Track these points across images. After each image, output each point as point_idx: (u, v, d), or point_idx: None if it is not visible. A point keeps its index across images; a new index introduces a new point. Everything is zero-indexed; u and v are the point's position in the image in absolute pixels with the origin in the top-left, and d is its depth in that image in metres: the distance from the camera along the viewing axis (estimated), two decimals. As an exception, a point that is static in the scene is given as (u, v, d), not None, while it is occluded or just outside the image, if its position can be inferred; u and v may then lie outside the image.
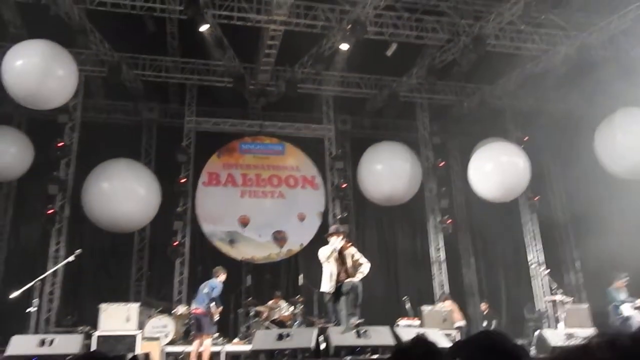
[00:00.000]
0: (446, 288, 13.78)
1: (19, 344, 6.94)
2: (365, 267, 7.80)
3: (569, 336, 8.49)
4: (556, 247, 15.51)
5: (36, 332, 8.59)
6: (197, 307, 8.95)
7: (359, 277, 7.67)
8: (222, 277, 9.18)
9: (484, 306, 13.50)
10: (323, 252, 7.88)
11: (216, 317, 8.94)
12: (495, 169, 13.04)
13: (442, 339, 7.66)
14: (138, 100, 14.22)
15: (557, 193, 16.18)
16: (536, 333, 9.61)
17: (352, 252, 7.95)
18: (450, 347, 1.84)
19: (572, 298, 12.47)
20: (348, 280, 7.61)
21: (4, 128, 12.73)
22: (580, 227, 14.85)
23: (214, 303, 8.79)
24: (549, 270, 12.60)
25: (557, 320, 11.21)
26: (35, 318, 7.76)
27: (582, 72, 12.60)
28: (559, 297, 11.02)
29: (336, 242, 7.82)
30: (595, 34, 11.94)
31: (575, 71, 12.81)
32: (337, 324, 7.71)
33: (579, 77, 12.95)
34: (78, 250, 8.38)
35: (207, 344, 8.73)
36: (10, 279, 11.96)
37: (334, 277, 7.71)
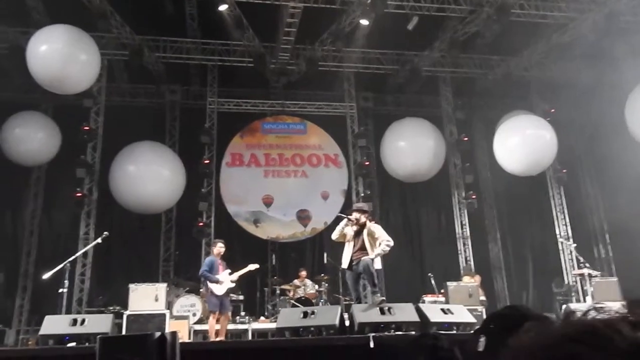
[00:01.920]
0: (472, 264, 13.71)
1: (52, 323, 7.12)
2: (383, 245, 7.65)
3: (597, 310, 8.36)
4: (584, 221, 15.24)
5: (68, 312, 8.84)
6: None
7: (372, 255, 7.61)
8: (213, 249, 9.04)
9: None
10: (333, 232, 8.10)
11: (217, 292, 8.52)
12: (521, 143, 12.86)
13: (467, 315, 7.64)
14: (160, 83, 14.30)
15: (585, 165, 15.85)
16: (564, 307, 9.51)
17: (372, 229, 7.86)
18: (482, 323, 1.84)
19: (601, 272, 12.31)
20: (364, 258, 7.63)
21: (32, 114, 13.02)
22: (609, 200, 14.55)
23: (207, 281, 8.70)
24: (575, 244, 12.41)
25: (585, 294, 11.09)
26: (68, 299, 7.95)
27: (611, 39, 12.20)
28: (586, 271, 10.88)
29: (351, 220, 7.89)
30: (624, -1, 11.54)
31: (603, 39, 12.40)
32: (359, 301, 7.76)
33: (607, 45, 12.55)
34: (105, 233, 8.58)
35: (209, 321, 8.81)
36: (43, 261, 12.33)
37: (349, 254, 7.82)
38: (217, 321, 8.62)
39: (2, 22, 11.73)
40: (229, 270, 8.76)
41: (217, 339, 8.29)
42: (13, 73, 12.37)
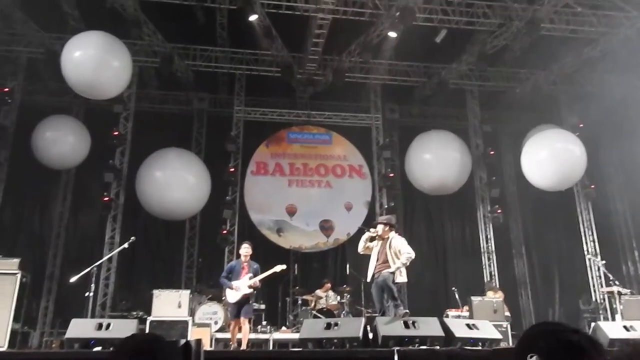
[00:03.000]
0: (496, 279, 13.53)
1: (78, 327, 7.17)
2: (403, 258, 7.59)
3: (627, 328, 8.17)
4: (613, 237, 14.92)
5: (93, 316, 8.92)
6: None
7: (392, 269, 7.55)
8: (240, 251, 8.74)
9: None
10: (359, 246, 8.12)
11: (230, 299, 8.30)
12: (550, 157, 12.67)
13: (493, 331, 7.52)
14: (189, 90, 14.50)
15: (614, 181, 15.54)
16: (592, 325, 9.30)
17: (394, 242, 7.80)
18: (526, 341, 1.74)
19: (630, 289, 12.04)
20: (383, 272, 7.59)
21: (63, 118, 13.26)
22: (639, 216, 14.26)
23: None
24: (604, 261, 12.15)
25: (613, 312, 10.86)
26: (92, 302, 8.02)
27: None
28: (615, 289, 10.65)
29: (371, 233, 7.93)
30: (657, 14, 11.35)
31: (635, 54, 12.20)
32: (383, 313, 7.68)
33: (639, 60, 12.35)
34: (132, 238, 8.62)
35: (230, 328, 8.62)
36: (69, 263, 12.53)
37: (372, 267, 7.81)
38: (240, 329, 8.49)
39: (39, 28, 12.03)
40: (249, 275, 8.30)
41: (241, 348, 8.22)
42: (47, 77, 12.69)
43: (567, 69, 13.42)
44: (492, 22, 12.03)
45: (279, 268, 8.53)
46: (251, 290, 8.28)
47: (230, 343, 8.67)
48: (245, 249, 8.58)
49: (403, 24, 11.10)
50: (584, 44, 12.62)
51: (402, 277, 7.70)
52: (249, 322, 8.86)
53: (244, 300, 8.26)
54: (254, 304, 10.65)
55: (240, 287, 8.24)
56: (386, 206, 13.68)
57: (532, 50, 12.58)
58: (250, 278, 8.28)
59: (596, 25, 11.97)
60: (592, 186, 13.94)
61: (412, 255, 7.69)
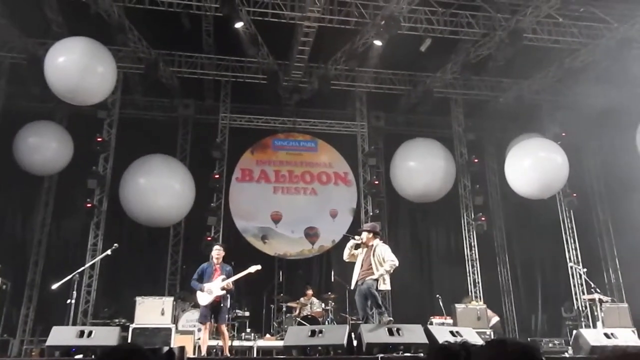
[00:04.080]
0: (480, 286, 13.62)
1: (59, 334, 7.09)
2: (387, 265, 7.65)
3: (608, 335, 8.29)
4: (595, 245, 15.13)
5: (74, 323, 8.82)
6: None
7: (376, 275, 7.59)
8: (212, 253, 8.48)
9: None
10: (344, 253, 8.17)
11: (201, 302, 8.03)
12: (533, 165, 12.83)
13: (476, 338, 7.56)
14: (174, 97, 14.46)
15: (596, 190, 15.78)
16: (574, 332, 9.40)
17: (379, 250, 7.85)
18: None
19: (611, 297, 12.20)
20: (367, 279, 7.63)
21: (46, 123, 13.12)
22: (619, 225, 14.47)
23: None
24: (585, 269, 12.30)
25: (595, 320, 11.00)
26: (73, 310, 7.91)
27: (624, 65, 12.21)
28: (597, 296, 10.79)
29: (355, 240, 8.01)
30: (637, 25, 11.55)
31: (616, 64, 12.42)
32: (366, 320, 7.70)
33: (620, 71, 12.56)
34: (115, 245, 8.53)
35: (201, 334, 8.38)
36: (51, 270, 12.37)
37: (356, 274, 7.84)
38: (222, 337, 8.36)
39: (22, 33, 11.92)
40: (222, 277, 8.04)
41: (223, 355, 8.16)
42: (30, 83, 12.57)
43: (549, 79, 13.62)
44: (476, 31, 12.19)
45: (253, 269, 8.26)
46: (224, 292, 8.02)
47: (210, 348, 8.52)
48: (217, 251, 8.33)
49: (388, 32, 11.19)
50: (566, 54, 12.82)
51: (385, 285, 7.74)
52: (230, 327, 8.72)
53: (216, 303, 7.99)
54: (238, 311, 10.63)
55: (212, 290, 7.99)
56: (371, 213, 13.72)
57: (515, 59, 12.76)
58: (224, 280, 8.03)
59: (577, 36, 12.18)
60: (574, 195, 14.10)
61: (396, 262, 7.74)
